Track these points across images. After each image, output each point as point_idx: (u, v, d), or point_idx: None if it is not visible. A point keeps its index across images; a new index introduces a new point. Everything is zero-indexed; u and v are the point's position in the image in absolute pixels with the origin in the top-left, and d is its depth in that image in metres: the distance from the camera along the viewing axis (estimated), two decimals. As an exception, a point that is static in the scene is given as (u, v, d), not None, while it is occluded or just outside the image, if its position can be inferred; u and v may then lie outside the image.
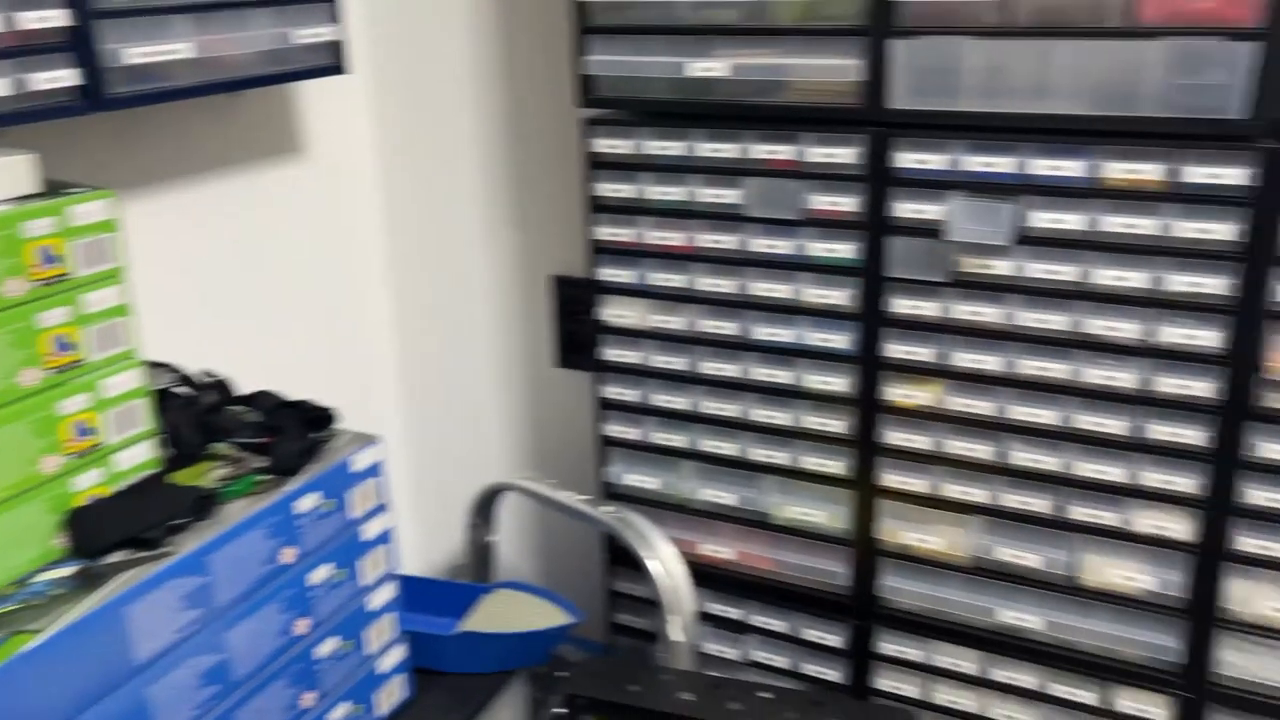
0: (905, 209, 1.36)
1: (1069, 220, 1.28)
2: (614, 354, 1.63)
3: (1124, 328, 1.29)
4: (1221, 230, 1.21)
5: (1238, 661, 1.35)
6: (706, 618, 1.68)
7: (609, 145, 1.53)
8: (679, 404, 1.61)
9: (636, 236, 1.56)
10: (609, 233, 1.57)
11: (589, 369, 1.72)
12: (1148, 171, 1.23)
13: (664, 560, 1.58)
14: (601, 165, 1.54)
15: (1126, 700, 1.42)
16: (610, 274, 1.60)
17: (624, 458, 1.68)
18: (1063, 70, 1.24)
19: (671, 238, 1.53)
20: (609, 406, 1.67)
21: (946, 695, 1.54)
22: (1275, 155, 1.16)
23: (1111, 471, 1.35)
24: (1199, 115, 1.18)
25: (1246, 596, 1.33)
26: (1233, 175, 1.18)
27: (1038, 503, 1.40)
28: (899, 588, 1.53)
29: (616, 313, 1.62)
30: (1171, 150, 1.21)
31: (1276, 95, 1.14)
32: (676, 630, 1.58)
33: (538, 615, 1.68)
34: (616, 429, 1.67)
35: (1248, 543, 1.30)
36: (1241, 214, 1.19)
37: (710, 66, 1.43)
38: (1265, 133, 1.17)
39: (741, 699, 1.43)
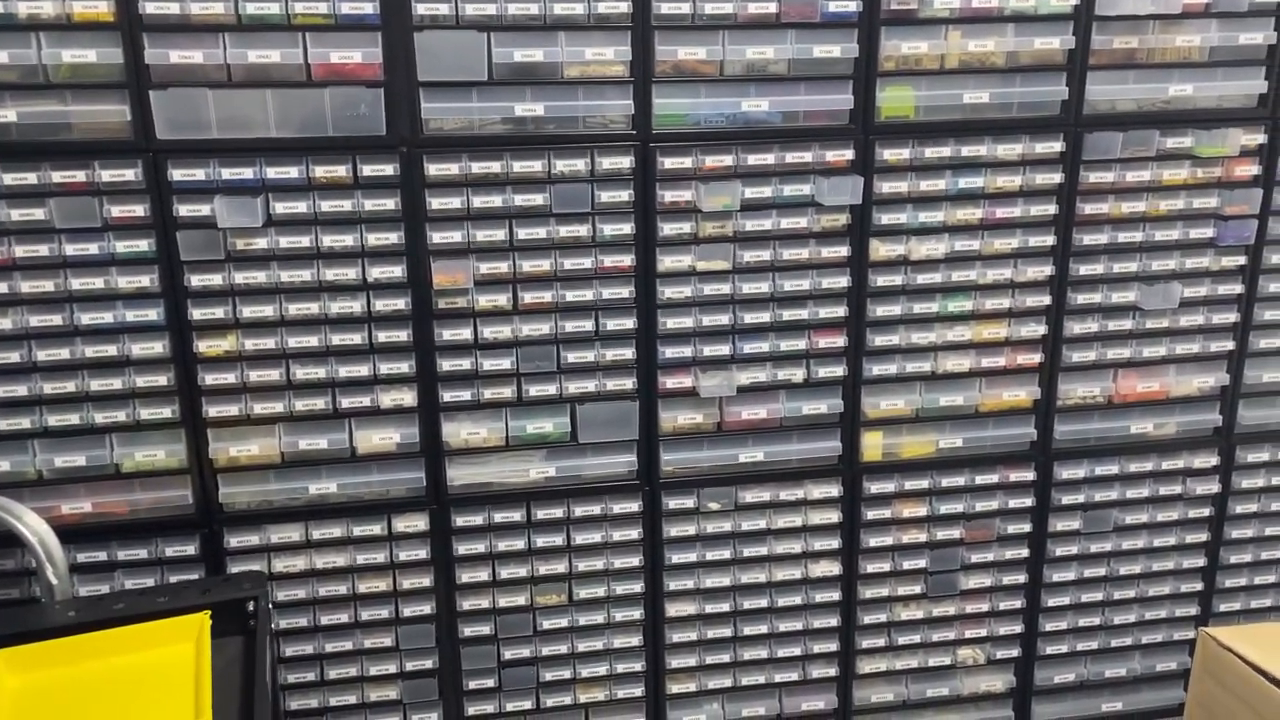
0: (185, 210, 1.90)
1: (299, 206, 1.93)
2: (-54, 360, 1.90)
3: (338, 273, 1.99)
4: (389, 202, 1.96)
5: (458, 474, 2.14)
6: (78, 568, 2.01)
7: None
8: (20, 392, 1.93)
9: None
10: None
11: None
12: (339, 171, 1.93)
13: (29, 525, 1.89)
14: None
15: (401, 524, 2.13)
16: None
17: (-32, 451, 1.95)
18: (276, 109, 1.89)
19: (-13, 253, 1.86)
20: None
21: (282, 563, 2.11)
22: (408, 155, 1.94)
23: (349, 371, 2.04)
24: (357, 134, 1.92)
25: (454, 430, 2.11)
26: (386, 169, 1.94)
27: (319, 403, 2.04)
28: (233, 492, 2.06)
29: (-57, 324, 1.88)
30: (347, 155, 1.92)
31: (399, 119, 1.92)
32: (52, 578, 1.89)
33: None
34: (-44, 427, 1.93)
35: (446, 397, 2.08)
36: (393, 192, 1.96)
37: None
38: (399, 142, 1.94)
39: (122, 600, 1.82)
